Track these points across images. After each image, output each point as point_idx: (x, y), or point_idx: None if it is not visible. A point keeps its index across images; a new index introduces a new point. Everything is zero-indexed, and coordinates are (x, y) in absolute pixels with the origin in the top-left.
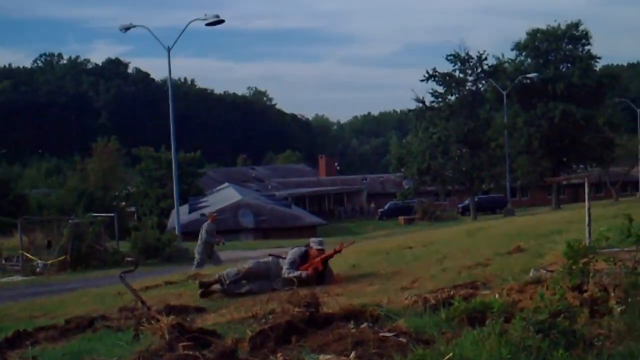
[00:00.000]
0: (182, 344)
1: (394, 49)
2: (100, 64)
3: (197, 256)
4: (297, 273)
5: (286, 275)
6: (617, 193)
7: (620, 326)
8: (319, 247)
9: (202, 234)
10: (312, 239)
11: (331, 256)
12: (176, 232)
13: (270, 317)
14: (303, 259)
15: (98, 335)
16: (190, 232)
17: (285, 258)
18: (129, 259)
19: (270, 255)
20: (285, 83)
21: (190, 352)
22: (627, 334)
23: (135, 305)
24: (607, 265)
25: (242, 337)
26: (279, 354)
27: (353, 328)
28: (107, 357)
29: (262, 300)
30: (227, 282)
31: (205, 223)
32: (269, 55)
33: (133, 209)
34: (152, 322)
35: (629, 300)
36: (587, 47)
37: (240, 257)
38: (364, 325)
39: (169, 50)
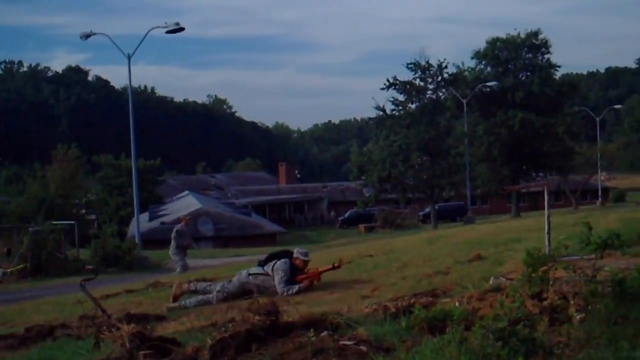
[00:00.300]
0: (142, 352)
1: (354, 57)
2: (61, 72)
3: (179, 262)
4: (296, 288)
5: (287, 293)
6: (576, 201)
7: (579, 334)
8: (306, 259)
9: (173, 235)
10: (297, 250)
11: (328, 270)
12: (136, 240)
13: (231, 325)
14: (293, 271)
15: (58, 344)
16: (150, 240)
17: (266, 274)
18: (89, 267)
19: (250, 274)
20: (245, 91)
21: None
22: (587, 342)
23: (95, 314)
24: (566, 273)
25: (202, 345)
26: None
27: (313, 336)
28: None
29: (222, 309)
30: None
31: (178, 225)
32: (229, 63)
33: (93, 216)
34: (113, 330)
35: (589, 308)
36: (546, 56)
37: (200, 265)
38: (324, 333)
39: (129, 57)
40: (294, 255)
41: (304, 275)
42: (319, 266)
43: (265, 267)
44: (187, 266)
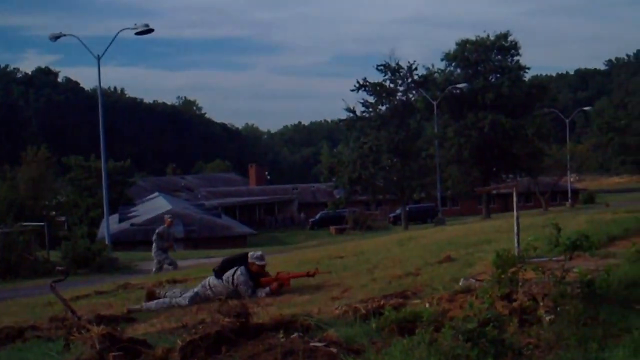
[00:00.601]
0: (112, 353)
1: (324, 58)
2: (30, 73)
3: (156, 259)
4: (264, 294)
5: (260, 296)
6: (546, 202)
7: (549, 335)
8: (261, 263)
9: (154, 237)
10: (251, 254)
11: (301, 277)
12: (106, 242)
13: (201, 327)
14: (253, 278)
15: (28, 345)
16: (120, 241)
17: (225, 284)
18: (60, 268)
19: (211, 287)
20: (215, 92)
21: None
22: (556, 344)
23: (65, 315)
24: (535, 275)
25: (172, 347)
26: None
27: (283, 338)
28: None
29: (192, 311)
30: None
31: (160, 227)
32: (199, 64)
33: (63, 218)
34: (83, 331)
35: (558, 309)
36: (516, 58)
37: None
38: (294, 335)
39: (98, 59)
40: (249, 261)
41: (271, 278)
42: (290, 270)
43: (223, 277)
44: (176, 264)
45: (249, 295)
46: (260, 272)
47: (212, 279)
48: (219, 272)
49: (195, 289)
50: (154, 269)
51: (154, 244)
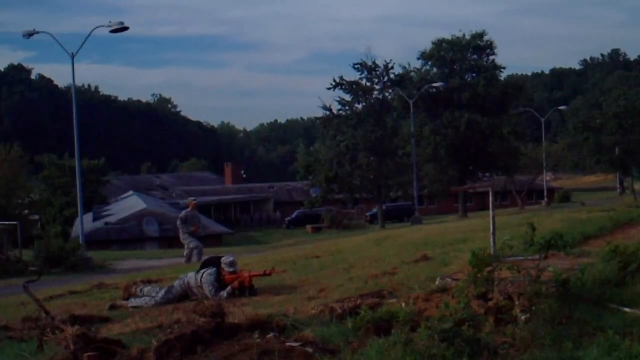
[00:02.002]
0: (87, 354)
1: (300, 56)
2: (3, 70)
3: (186, 242)
4: (225, 294)
5: (221, 297)
6: (522, 201)
7: (524, 334)
8: (231, 269)
9: (178, 222)
10: (224, 259)
11: (258, 276)
12: (80, 241)
13: (176, 327)
14: (218, 280)
15: (0, 346)
16: (94, 240)
17: (197, 285)
18: (33, 268)
19: (192, 286)
20: (190, 90)
21: None
22: (531, 342)
23: (39, 315)
24: (511, 274)
25: (147, 347)
26: None
27: (259, 338)
28: None
29: (168, 310)
30: (157, 301)
31: (183, 211)
32: (174, 62)
33: (36, 217)
34: (57, 332)
35: (533, 308)
36: (491, 57)
37: (145, 266)
38: (270, 335)
39: (72, 56)
40: (222, 265)
41: (233, 277)
42: (252, 269)
43: (196, 277)
44: (201, 247)
45: (212, 295)
46: (229, 277)
47: (191, 274)
48: (198, 270)
49: (174, 283)
50: (185, 254)
51: (180, 230)
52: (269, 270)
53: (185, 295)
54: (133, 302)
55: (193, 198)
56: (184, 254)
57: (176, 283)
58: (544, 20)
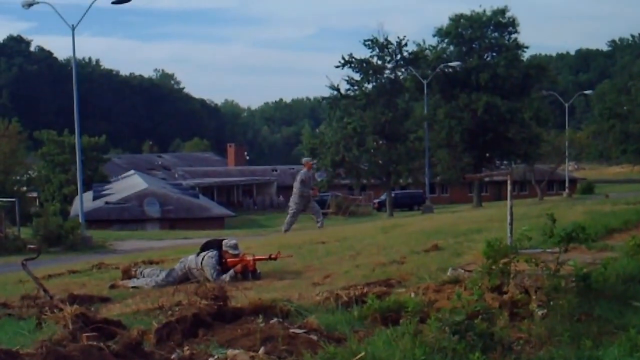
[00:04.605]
0: (86, 334)
1: (308, 32)
2: (1, 41)
3: (292, 206)
4: (228, 277)
5: (224, 280)
6: (542, 191)
7: (540, 330)
8: (235, 252)
9: (296, 184)
10: (226, 242)
11: (263, 260)
12: (80, 220)
13: (177, 309)
14: (220, 263)
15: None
16: (94, 220)
17: (198, 268)
18: (31, 246)
19: (191, 268)
20: (193, 66)
21: (95, 343)
22: (548, 339)
23: (37, 294)
24: (528, 267)
25: (148, 328)
26: (186, 347)
27: (262, 323)
28: (8, 346)
29: (169, 292)
30: (158, 283)
31: (301, 171)
32: (178, 36)
33: (35, 194)
34: (55, 311)
35: (551, 303)
36: (513, 36)
37: (147, 247)
38: (274, 320)
39: (73, 28)
40: (223, 248)
41: (236, 260)
42: (255, 253)
43: (196, 260)
44: (299, 214)
45: (214, 278)
46: (231, 259)
47: (191, 257)
48: (199, 252)
49: (174, 266)
50: (285, 224)
51: (294, 192)
52: (274, 255)
53: (186, 278)
54: (134, 282)
55: (309, 157)
56: (287, 220)
57: (177, 266)
58: None
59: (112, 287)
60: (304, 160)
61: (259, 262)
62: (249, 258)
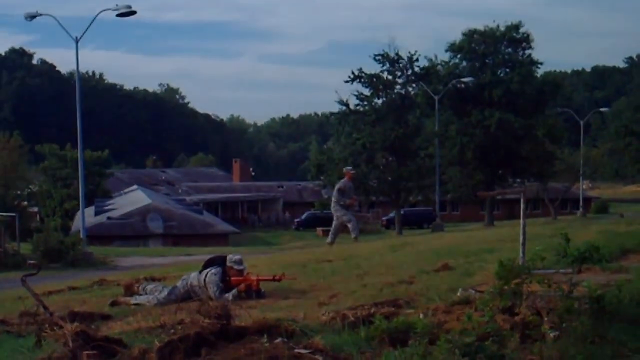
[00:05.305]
0: (86, 352)
1: (316, 46)
2: (3, 54)
3: (339, 214)
4: (231, 296)
5: (227, 298)
6: (555, 211)
7: (553, 353)
8: (239, 268)
9: (335, 193)
10: (230, 257)
11: (267, 280)
12: (81, 235)
13: (180, 327)
14: (224, 281)
15: None
16: (95, 235)
17: (200, 285)
18: (31, 262)
19: (193, 285)
20: (199, 80)
21: None
22: None
23: (37, 311)
24: (541, 288)
25: (149, 347)
26: None
27: (266, 343)
28: None
29: (171, 310)
30: (160, 301)
31: (341, 181)
32: (183, 50)
33: (35, 209)
34: (55, 328)
35: (564, 325)
36: (527, 51)
37: (149, 263)
38: (278, 340)
39: (77, 41)
40: (227, 264)
41: (240, 279)
42: (259, 273)
43: (199, 278)
44: (355, 221)
45: (216, 296)
46: (236, 276)
47: (194, 274)
48: (201, 269)
49: (177, 284)
50: (331, 231)
51: (333, 201)
52: (278, 276)
53: (188, 296)
54: (136, 299)
55: (350, 167)
56: (331, 231)
57: (179, 284)
58: (586, 12)
59: (114, 304)
60: (345, 169)
61: (262, 282)
62: (253, 277)
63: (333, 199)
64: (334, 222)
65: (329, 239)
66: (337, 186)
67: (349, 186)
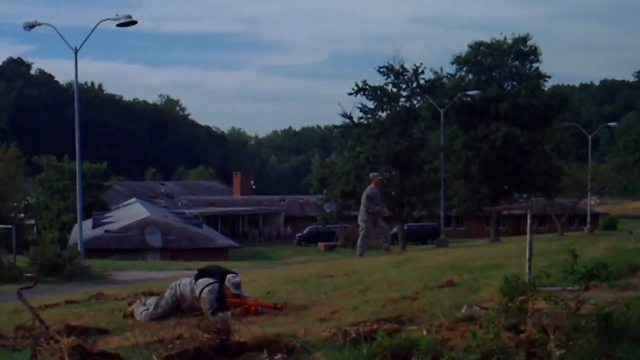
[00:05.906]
0: None
1: (320, 58)
2: (1, 64)
3: (362, 225)
4: (224, 315)
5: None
6: (562, 226)
7: None
8: (236, 292)
9: (363, 200)
10: (230, 277)
11: (267, 307)
12: (78, 249)
13: (178, 342)
14: (219, 300)
15: None
16: (93, 249)
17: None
18: (28, 275)
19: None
20: (200, 92)
21: None
22: None
23: (33, 324)
24: (547, 305)
25: None
26: None
27: (266, 358)
28: None
29: (169, 325)
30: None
31: (368, 187)
32: (184, 61)
33: (32, 221)
34: (51, 342)
35: (570, 343)
36: (535, 65)
37: (147, 277)
38: (278, 356)
39: (76, 51)
40: (225, 284)
41: (238, 301)
42: (259, 297)
43: (192, 287)
44: (371, 232)
45: (210, 315)
46: (231, 297)
47: (185, 281)
48: (197, 276)
49: (164, 293)
50: (359, 247)
51: (361, 209)
52: (280, 305)
53: (177, 305)
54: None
55: (376, 173)
56: (358, 244)
57: (167, 293)
58: (594, 26)
59: (126, 315)
60: (371, 175)
61: (261, 300)
62: (251, 301)
63: (362, 207)
64: (360, 237)
65: (359, 252)
66: (365, 193)
67: (376, 192)
